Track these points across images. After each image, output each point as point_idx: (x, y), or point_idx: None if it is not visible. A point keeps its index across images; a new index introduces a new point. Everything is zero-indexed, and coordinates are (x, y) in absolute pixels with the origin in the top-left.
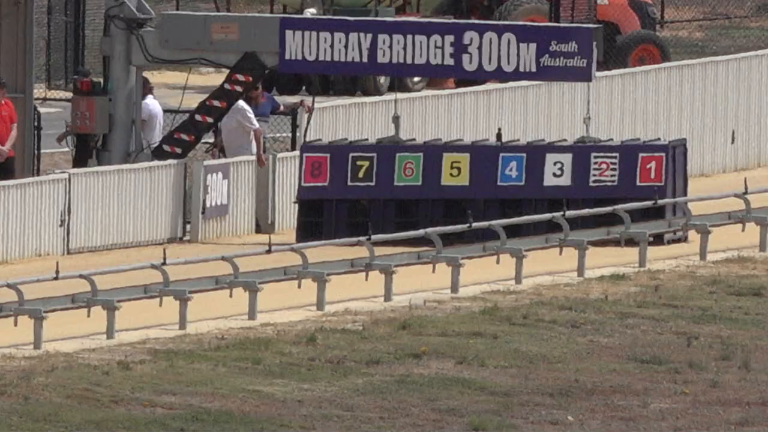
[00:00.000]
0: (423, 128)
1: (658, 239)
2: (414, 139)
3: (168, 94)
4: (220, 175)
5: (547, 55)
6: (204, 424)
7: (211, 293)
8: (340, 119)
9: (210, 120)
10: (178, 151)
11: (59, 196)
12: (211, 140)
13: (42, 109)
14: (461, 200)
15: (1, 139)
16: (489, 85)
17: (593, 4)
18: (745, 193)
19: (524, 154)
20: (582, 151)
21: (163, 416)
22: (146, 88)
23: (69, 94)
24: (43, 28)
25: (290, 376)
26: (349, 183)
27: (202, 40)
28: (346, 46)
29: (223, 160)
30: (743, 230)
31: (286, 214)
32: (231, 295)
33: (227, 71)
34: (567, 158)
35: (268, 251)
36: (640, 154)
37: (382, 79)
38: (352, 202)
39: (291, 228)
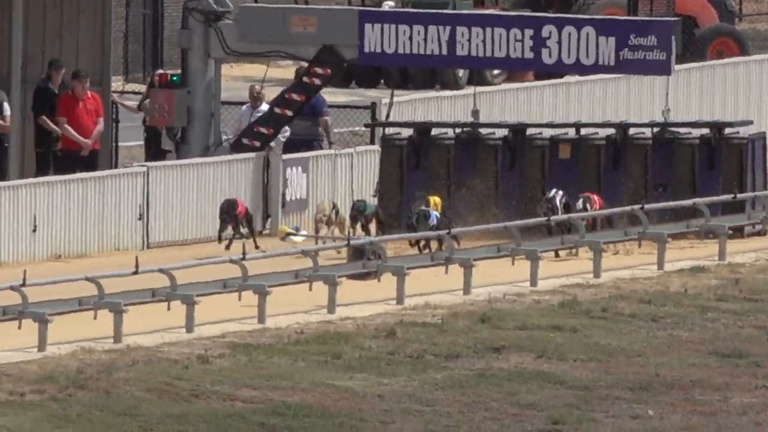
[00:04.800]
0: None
1: (737, 232)
2: (493, 133)
3: (246, 86)
4: (299, 168)
5: (626, 49)
6: (284, 418)
7: (290, 287)
8: (419, 113)
9: (289, 113)
10: (257, 144)
11: (138, 189)
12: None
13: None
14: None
15: (86, 132)
16: (568, 79)
17: None
18: None
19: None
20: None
21: (243, 410)
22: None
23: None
24: (121, 21)
25: (370, 371)
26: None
27: (281, 32)
28: (425, 39)
29: (302, 154)
30: None
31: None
32: (311, 289)
33: (306, 64)
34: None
35: (347, 245)
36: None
37: (461, 72)
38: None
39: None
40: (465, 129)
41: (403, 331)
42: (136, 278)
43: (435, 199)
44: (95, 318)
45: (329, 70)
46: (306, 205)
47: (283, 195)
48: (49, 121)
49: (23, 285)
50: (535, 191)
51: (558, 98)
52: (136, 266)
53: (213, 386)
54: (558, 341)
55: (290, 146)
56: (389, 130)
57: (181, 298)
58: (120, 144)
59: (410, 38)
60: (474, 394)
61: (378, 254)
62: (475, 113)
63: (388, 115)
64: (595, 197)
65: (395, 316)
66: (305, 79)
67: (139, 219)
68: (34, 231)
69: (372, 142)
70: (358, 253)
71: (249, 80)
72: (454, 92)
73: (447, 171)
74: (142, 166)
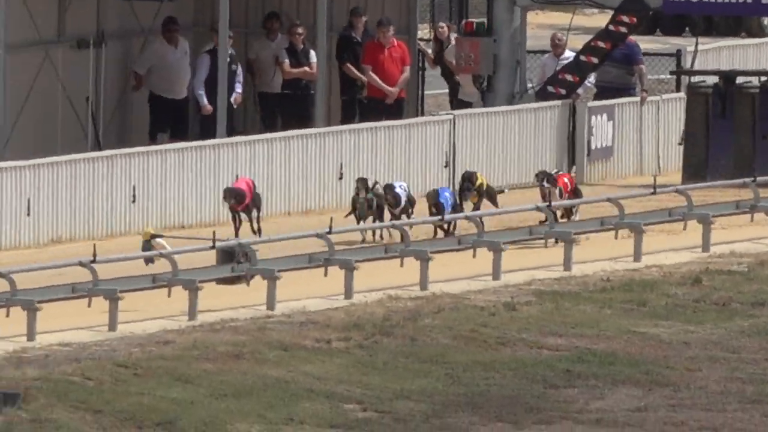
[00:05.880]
0: None
1: None
2: None
3: (550, 35)
4: (605, 116)
5: None
6: (589, 365)
7: (596, 235)
8: (724, 61)
9: (594, 60)
10: (563, 92)
11: (444, 137)
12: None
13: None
14: None
15: (391, 80)
16: None
17: None
18: None
19: None
20: None
21: (549, 357)
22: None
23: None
24: None
25: (675, 318)
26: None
27: None
28: None
29: (608, 102)
30: None
31: (672, 156)
32: (616, 237)
33: (611, 12)
34: None
35: (653, 193)
36: None
37: (767, 20)
38: (738, 144)
39: (676, 170)
40: None
41: (708, 279)
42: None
43: (480, 177)
44: (401, 266)
45: (635, 19)
46: (611, 153)
47: (588, 143)
48: (354, 69)
49: (329, 233)
50: None
51: None
52: (442, 216)
53: (519, 333)
54: None
55: (603, 94)
56: (695, 78)
57: (487, 245)
58: (426, 92)
59: None
60: None
61: (248, 256)
62: None
63: (693, 63)
64: (566, 178)
65: (701, 264)
66: (611, 27)
67: (445, 167)
68: (341, 179)
69: (677, 90)
70: (227, 255)
71: (554, 28)
72: (760, 40)
73: (752, 119)
74: (448, 114)
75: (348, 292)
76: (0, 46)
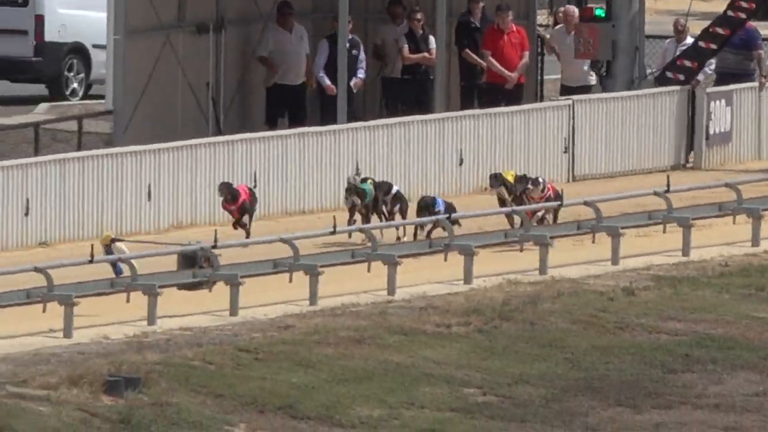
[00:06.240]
0: None
1: None
2: None
3: (670, 20)
4: (723, 102)
5: None
6: (708, 350)
7: (714, 220)
8: None
9: (713, 46)
10: (681, 77)
11: (563, 122)
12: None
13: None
14: None
15: (511, 66)
16: None
17: None
18: None
19: None
20: None
21: (668, 342)
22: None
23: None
24: None
25: None
26: None
27: None
28: None
29: (726, 87)
30: None
31: None
32: (734, 222)
33: None
34: None
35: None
36: None
37: None
38: None
39: None
40: None
41: None
42: (564, 211)
43: (509, 173)
44: (521, 251)
45: (754, 4)
46: (729, 138)
47: (707, 128)
48: (473, 55)
49: (449, 218)
50: None
51: None
52: (561, 198)
53: (638, 318)
54: None
55: (721, 80)
56: None
57: (606, 230)
58: (545, 77)
59: None
60: None
61: (211, 261)
62: None
63: None
64: (549, 184)
65: None
66: (730, 12)
67: (565, 152)
68: (461, 164)
69: None
70: (188, 260)
71: (673, 14)
72: None
73: None
74: (567, 99)
75: (467, 278)
76: (120, 32)
